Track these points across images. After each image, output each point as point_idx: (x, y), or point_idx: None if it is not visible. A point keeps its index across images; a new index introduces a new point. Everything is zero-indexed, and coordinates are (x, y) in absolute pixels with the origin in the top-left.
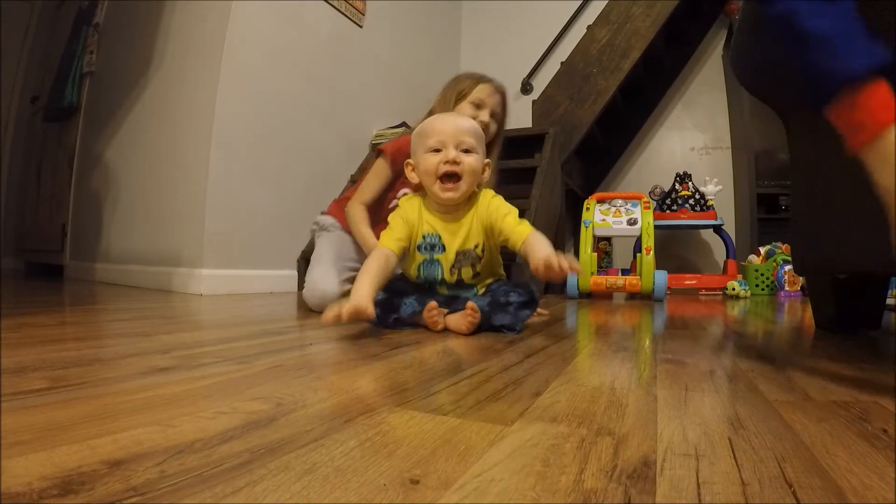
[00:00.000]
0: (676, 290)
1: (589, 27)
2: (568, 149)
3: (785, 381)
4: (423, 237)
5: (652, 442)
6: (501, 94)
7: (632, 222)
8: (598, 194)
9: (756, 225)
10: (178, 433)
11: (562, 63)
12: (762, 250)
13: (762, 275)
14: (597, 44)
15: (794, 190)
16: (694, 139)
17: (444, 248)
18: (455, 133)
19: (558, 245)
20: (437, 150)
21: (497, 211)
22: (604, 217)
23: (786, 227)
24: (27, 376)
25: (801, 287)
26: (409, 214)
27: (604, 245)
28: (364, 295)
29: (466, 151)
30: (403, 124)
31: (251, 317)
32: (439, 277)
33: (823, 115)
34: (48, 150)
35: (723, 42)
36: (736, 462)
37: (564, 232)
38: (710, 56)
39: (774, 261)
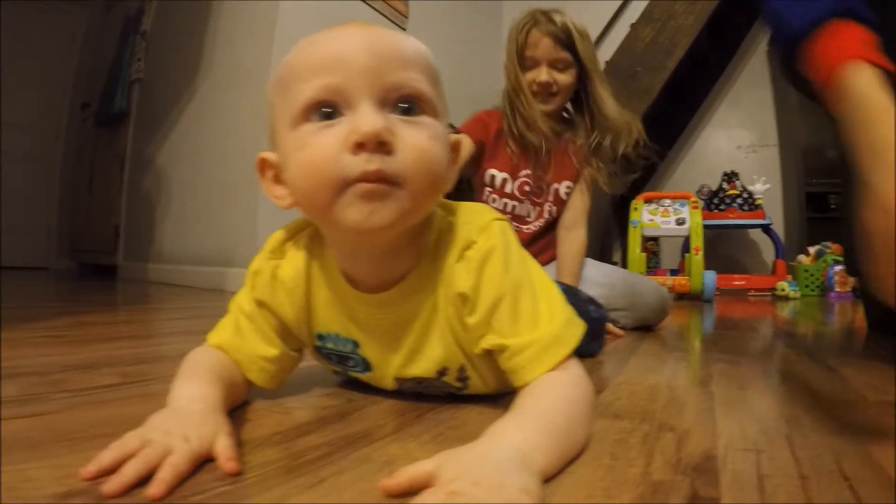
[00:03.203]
0: (724, 290)
1: (632, 25)
2: None
3: (838, 381)
4: (320, 338)
5: (712, 437)
6: (553, 32)
7: (680, 222)
8: (645, 194)
9: (805, 224)
10: (255, 427)
11: (606, 62)
12: (811, 250)
13: (812, 275)
14: (641, 42)
15: (846, 187)
16: (740, 137)
17: (368, 367)
18: (369, 65)
19: (606, 246)
20: (328, 112)
21: (495, 315)
22: (652, 217)
23: (836, 226)
24: (98, 372)
25: (853, 288)
26: (280, 289)
27: (651, 245)
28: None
29: (407, 110)
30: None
31: None
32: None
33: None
34: (99, 154)
35: (767, 38)
36: (794, 457)
37: (612, 232)
38: (754, 52)
39: (824, 261)
